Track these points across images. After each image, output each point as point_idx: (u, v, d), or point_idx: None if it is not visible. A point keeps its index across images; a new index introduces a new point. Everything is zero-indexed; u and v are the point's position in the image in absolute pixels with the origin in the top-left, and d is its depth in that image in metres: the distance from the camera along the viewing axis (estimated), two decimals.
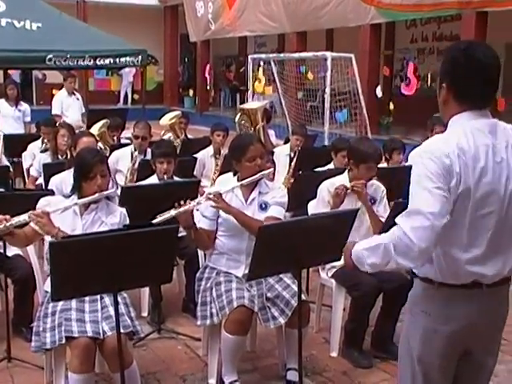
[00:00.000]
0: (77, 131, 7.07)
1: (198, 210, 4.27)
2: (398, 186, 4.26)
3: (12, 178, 8.27)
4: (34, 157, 7.54)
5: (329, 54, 12.12)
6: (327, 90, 11.91)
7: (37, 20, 11.31)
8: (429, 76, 15.03)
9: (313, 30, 16.04)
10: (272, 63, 14.00)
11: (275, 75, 14.02)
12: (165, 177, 5.32)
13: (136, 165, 6.38)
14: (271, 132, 9.19)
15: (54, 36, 11.18)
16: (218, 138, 7.54)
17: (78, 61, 11.32)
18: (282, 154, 7.69)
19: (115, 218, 4.06)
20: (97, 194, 3.89)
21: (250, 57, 14.71)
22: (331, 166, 6.31)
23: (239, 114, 8.74)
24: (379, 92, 13.37)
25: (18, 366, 4.51)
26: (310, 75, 13.63)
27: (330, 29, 17.44)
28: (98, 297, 3.86)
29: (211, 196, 4.05)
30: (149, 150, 6.36)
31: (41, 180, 6.64)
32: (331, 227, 3.66)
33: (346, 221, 3.74)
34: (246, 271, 3.93)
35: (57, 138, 6.82)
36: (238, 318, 3.98)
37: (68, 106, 10.95)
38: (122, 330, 3.45)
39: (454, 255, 2.50)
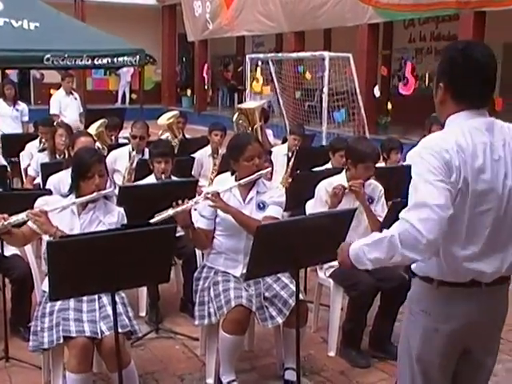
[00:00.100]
0: (75, 131, 7.07)
1: (195, 209, 4.27)
2: (396, 186, 4.28)
3: (10, 177, 8.26)
4: (32, 156, 7.53)
5: (327, 54, 12.13)
6: (325, 90, 11.92)
7: (35, 19, 11.29)
8: (427, 76, 15.07)
9: (311, 29, 16.04)
10: (270, 63, 14.01)
11: (273, 75, 14.03)
12: (163, 176, 5.31)
13: (134, 164, 6.39)
14: (269, 132, 9.20)
15: (51, 35, 11.16)
16: (215, 137, 7.55)
17: (75, 60, 11.31)
18: (280, 153, 7.70)
19: (113, 217, 4.06)
20: (95, 194, 3.89)
21: (247, 56, 14.72)
22: (329, 165, 6.31)
23: (237, 114, 8.74)
24: (377, 92, 13.38)
25: (15, 366, 4.51)
26: (307, 75, 13.64)
27: (327, 28, 17.45)
28: (96, 296, 3.86)
29: (209, 195, 4.05)
30: (146, 150, 6.35)
31: (38, 179, 6.65)
32: (329, 227, 3.66)
33: (344, 220, 3.75)
34: (244, 271, 3.93)
35: (55, 138, 6.83)
36: (235, 318, 3.98)
37: (66, 106, 10.95)
38: (119, 330, 3.45)
39: (453, 252, 2.50)
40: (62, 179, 5.25)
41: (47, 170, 5.97)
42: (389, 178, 5.27)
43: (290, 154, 7.46)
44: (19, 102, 10.38)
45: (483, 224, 2.49)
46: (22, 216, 3.76)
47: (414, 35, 18.78)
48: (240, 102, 17.31)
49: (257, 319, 4.15)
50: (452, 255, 2.50)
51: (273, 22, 16.90)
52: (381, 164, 6.05)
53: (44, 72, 21.10)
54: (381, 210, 4.86)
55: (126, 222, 4.06)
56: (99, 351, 3.72)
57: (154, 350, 4.84)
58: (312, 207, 4.99)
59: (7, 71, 15.84)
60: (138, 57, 12.06)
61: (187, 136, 9.09)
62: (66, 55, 11.12)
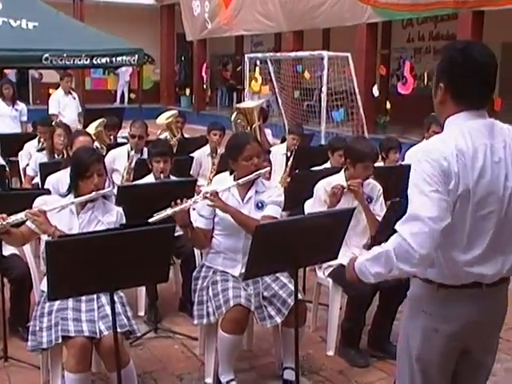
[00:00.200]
0: (73, 131, 7.06)
1: (194, 209, 4.27)
2: (395, 185, 4.28)
3: (8, 177, 8.25)
4: (31, 156, 7.53)
5: (325, 53, 12.14)
6: (324, 89, 11.93)
7: (33, 19, 11.29)
8: (425, 75, 15.05)
9: (309, 29, 16.05)
10: (269, 62, 14.01)
11: (272, 74, 14.03)
12: (161, 176, 5.31)
13: (132, 164, 6.39)
14: (268, 131, 9.19)
15: (50, 35, 11.16)
16: (214, 137, 7.55)
17: (74, 60, 11.31)
18: (279, 153, 7.70)
19: (112, 217, 4.06)
20: (93, 193, 3.89)
21: (246, 56, 14.73)
22: (328, 165, 6.30)
23: (235, 113, 8.74)
24: (376, 91, 13.39)
25: (14, 366, 4.51)
26: (306, 74, 13.65)
27: (326, 28, 17.46)
28: (95, 296, 3.86)
29: (208, 195, 4.05)
30: (145, 149, 6.36)
31: (37, 179, 6.65)
32: (328, 226, 3.66)
33: (343, 220, 3.75)
34: (243, 270, 3.93)
35: (53, 138, 6.82)
36: (234, 317, 3.98)
37: (65, 106, 10.93)
38: (118, 330, 3.45)
39: (455, 257, 2.48)
40: (60, 179, 5.25)
41: (46, 169, 5.97)
42: (387, 178, 5.27)
43: (288, 154, 7.46)
44: (18, 102, 10.36)
45: (485, 227, 2.48)
46: (20, 216, 3.76)
47: (412, 35, 18.79)
48: (239, 101, 17.32)
49: (255, 319, 4.15)
50: (453, 260, 2.49)
51: (272, 22, 16.91)
52: (379, 163, 6.05)
53: (42, 72, 21.11)
54: (379, 209, 4.86)
55: (124, 221, 4.06)
56: (98, 351, 3.72)
57: (152, 350, 4.84)
58: (311, 207, 4.99)
59: (6, 71, 15.82)
60: (136, 56, 12.06)
61: (186, 135, 9.09)
62: (65, 55, 11.12)
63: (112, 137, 8.30)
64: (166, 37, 24.01)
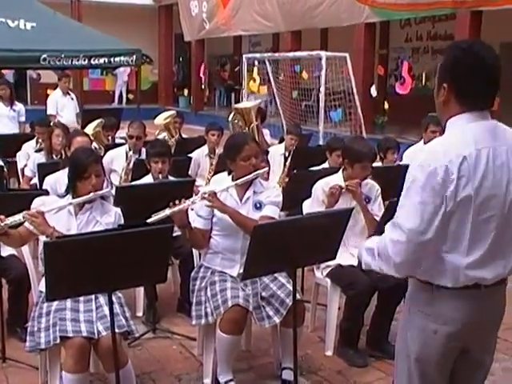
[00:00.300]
0: (71, 131, 7.06)
1: (192, 209, 4.27)
2: (393, 185, 4.27)
3: (6, 177, 8.23)
4: (29, 157, 7.52)
5: (323, 54, 12.14)
6: (322, 90, 11.93)
7: (31, 19, 11.26)
8: (423, 75, 15.07)
9: (307, 29, 16.05)
10: (267, 62, 14.01)
11: (270, 74, 14.02)
12: (160, 176, 5.31)
13: (131, 164, 6.38)
14: (266, 131, 9.19)
15: (48, 36, 11.14)
16: (212, 137, 7.55)
17: (72, 60, 11.28)
18: (277, 153, 7.70)
19: (110, 217, 4.06)
20: (91, 194, 3.89)
21: (244, 56, 14.72)
22: (326, 165, 6.31)
23: (233, 114, 8.75)
24: (374, 91, 13.39)
25: (12, 367, 4.51)
26: (304, 74, 13.64)
27: (324, 28, 17.46)
28: (93, 297, 3.86)
29: (206, 195, 4.05)
30: (143, 150, 6.36)
31: (35, 180, 6.64)
32: (326, 226, 3.67)
33: (341, 220, 3.76)
34: (241, 270, 3.94)
35: (51, 138, 6.81)
36: (232, 318, 3.98)
37: (63, 106, 10.93)
38: (116, 330, 3.45)
39: (455, 261, 2.48)
40: (58, 179, 5.24)
41: (44, 170, 5.97)
42: (385, 178, 5.27)
43: (286, 154, 7.45)
44: (16, 103, 10.35)
45: (486, 231, 2.47)
46: (18, 217, 3.76)
47: (410, 35, 18.79)
48: (237, 101, 17.31)
49: (254, 319, 4.16)
50: (453, 264, 2.48)
51: (269, 22, 16.91)
52: (377, 163, 6.06)
53: (41, 72, 21.08)
54: (378, 209, 4.86)
55: (122, 222, 4.06)
56: (96, 351, 3.72)
57: (151, 350, 4.84)
58: (309, 207, 4.99)
59: (3, 71, 15.83)
60: (134, 57, 12.04)
61: (184, 136, 9.08)
62: (63, 55, 11.09)
63: (110, 137, 8.30)
64: (164, 37, 24.00)
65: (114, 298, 3.51)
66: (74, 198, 3.95)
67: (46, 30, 11.23)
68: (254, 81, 13.99)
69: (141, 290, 5.39)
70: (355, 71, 12.57)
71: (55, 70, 13.49)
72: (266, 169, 4.62)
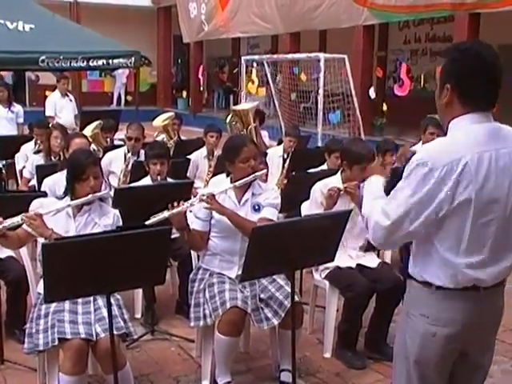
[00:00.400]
0: (70, 132, 7.06)
1: (191, 211, 4.27)
2: (391, 187, 4.27)
3: (5, 179, 8.28)
4: (27, 158, 7.52)
5: (322, 55, 12.14)
6: (320, 91, 11.93)
7: (30, 21, 11.27)
8: (422, 77, 15.07)
9: (306, 30, 16.06)
10: (265, 64, 14.01)
11: (268, 76, 14.03)
12: (158, 178, 5.31)
13: (129, 166, 6.38)
14: (264, 133, 9.19)
15: (46, 37, 11.14)
16: (211, 139, 7.55)
17: (71, 62, 11.28)
18: (276, 155, 7.70)
19: (108, 219, 4.06)
20: (90, 196, 3.89)
21: (243, 58, 14.72)
22: (324, 167, 6.31)
23: (230, 115, 8.76)
24: (372, 93, 13.39)
25: (10, 368, 4.50)
26: (303, 76, 13.64)
27: (323, 30, 17.46)
28: (91, 298, 3.85)
29: (204, 197, 4.05)
30: (142, 152, 6.36)
31: (34, 181, 6.63)
32: (324, 228, 3.67)
33: (339, 222, 3.76)
34: (239, 272, 3.94)
35: (50, 140, 6.81)
36: (231, 319, 3.98)
37: (61, 108, 10.94)
38: (115, 332, 3.45)
39: (454, 260, 2.47)
40: (57, 181, 5.24)
41: (42, 171, 5.96)
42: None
43: (285, 156, 7.46)
44: (14, 104, 10.35)
45: (486, 234, 2.47)
46: (16, 219, 3.76)
47: (409, 36, 18.80)
48: (235, 103, 17.31)
49: (252, 321, 4.15)
50: (451, 263, 2.48)
51: (268, 24, 16.91)
52: None
53: (39, 74, 21.05)
54: None
55: (121, 223, 4.06)
56: (94, 353, 3.72)
57: (149, 352, 4.84)
58: (307, 209, 4.99)
59: (2, 73, 15.81)
60: (133, 58, 12.04)
61: (182, 138, 9.08)
62: (61, 57, 11.09)
63: (109, 139, 8.30)
64: (162, 39, 24.00)
65: (112, 300, 3.51)
66: (72, 199, 3.94)
67: (44, 32, 11.23)
68: (253, 83, 13.99)
69: (139, 292, 5.39)
70: (354, 73, 12.58)
71: (54, 72, 13.50)
72: (265, 171, 4.63)
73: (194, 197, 4.21)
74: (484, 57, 2.47)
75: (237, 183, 4.14)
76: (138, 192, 5.05)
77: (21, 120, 10.31)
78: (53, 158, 6.79)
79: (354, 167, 4.73)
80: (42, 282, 3.46)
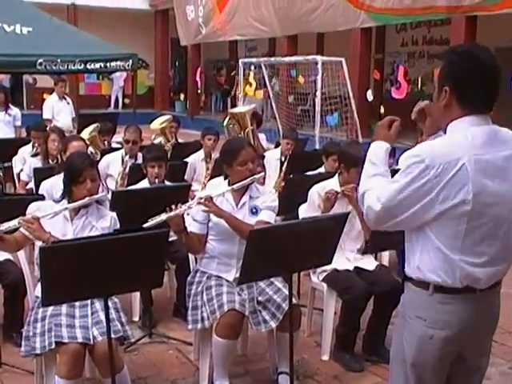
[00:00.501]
0: (67, 135, 7.06)
1: (188, 214, 4.27)
2: None
3: (2, 182, 8.27)
4: (25, 161, 7.51)
5: (319, 58, 12.17)
6: (318, 94, 11.95)
7: (27, 24, 11.26)
8: (419, 79, 15.06)
9: (303, 33, 16.08)
10: (263, 67, 14.02)
11: (266, 79, 14.04)
12: (156, 181, 5.31)
13: (127, 169, 6.38)
14: (262, 136, 9.20)
15: (44, 40, 11.13)
16: (208, 141, 7.56)
17: (68, 65, 11.27)
18: (273, 157, 7.70)
19: (106, 222, 4.06)
20: (87, 199, 3.88)
21: (240, 61, 14.74)
22: (322, 169, 6.31)
23: (228, 118, 8.76)
24: (370, 96, 13.40)
25: (8, 372, 4.49)
26: (300, 79, 13.66)
27: (320, 33, 17.49)
28: (89, 301, 3.85)
29: (202, 200, 4.04)
30: (140, 155, 6.36)
31: (31, 184, 6.63)
32: (322, 231, 3.67)
33: (337, 225, 3.76)
34: (237, 275, 3.93)
35: (47, 143, 6.81)
36: (228, 322, 3.97)
37: (59, 111, 10.93)
38: (112, 336, 3.44)
39: (452, 256, 2.47)
40: (54, 184, 5.23)
41: (40, 174, 5.96)
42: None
43: (283, 159, 7.46)
44: (12, 107, 10.35)
45: (484, 236, 2.47)
46: (13, 223, 3.75)
47: (406, 39, 18.82)
48: (233, 106, 17.33)
49: (250, 323, 4.15)
50: (449, 258, 2.47)
51: (265, 27, 16.93)
52: None
53: (37, 77, 21.06)
54: None
55: (118, 226, 4.05)
56: (92, 357, 3.71)
57: (147, 355, 4.83)
58: (305, 211, 5.00)
59: None
60: (130, 61, 12.03)
61: (180, 140, 9.08)
62: (59, 60, 11.08)
63: (106, 142, 8.30)
64: (160, 42, 24.01)
65: (109, 303, 3.51)
66: (69, 202, 3.94)
67: (42, 35, 11.22)
68: (250, 85, 14.00)
69: (137, 295, 5.39)
70: (351, 76, 12.60)
71: (51, 75, 13.48)
72: (262, 174, 4.62)
73: (192, 200, 4.21)
74: (481, 59, 2.48)
75: (234, 186, 4.14)
76: (135, 195, 5.05)
77: (18, 123, 10.31)
78: (50, 161, 6.79)
79: (352, 170, 4.73)
80: (39, 285, 3.46)
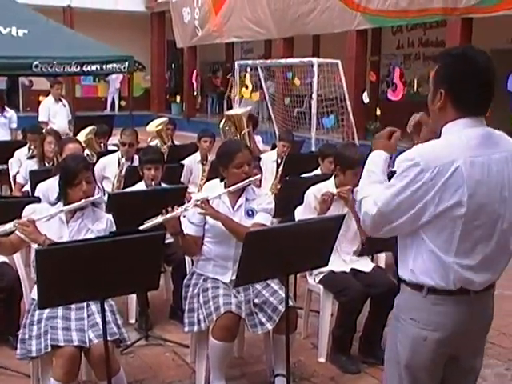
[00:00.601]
0: (63, 138, 7.05)
1: (184, 216, 4.27)
2: None
3: None
4: (21, 164, 7.50)
5: (315, 60, 12.15)
6: (314, 96, 11.94)
7: (23, 26, 11.27)
8: (415, 81, 15.11)
9: (299, 35, 16.09)
10: (259, 69, 14.03)
11: (262, 81, 14.04)
12: (152, 183, 5.31)
13: (123, 171, 6.38)
14: (258, 138, 9.20)
15: (40, 42, 11.14)
16: (204, 144, 7.56)
17: (64, 67, 11.28)
18: (269, 160, 7.70)
19: (102, 224, 4.05)
20: (82, 201, 3.88)
21: (236, 63, 14.73)
22: (318, 171, 6.32)
23: (224, 120, 8.77)
24: (366, 97, 13.42)
25: (4, 374, 4.48)
26: (296, 81, 13.66)
27: (316, 35, 17.49)
28: (85, 304, 3.84)
29: (199, 202, 4.04)
30: (136, 157, 6.36)
31: (27, 187, 6.62)
32: (318, 233, 3.67)
33: (333, 227, 3.76)
34: (233, 277, 3.93)
35: (43, 145, 6.80)
36: (225, 324, 3.97)
37: (55, 113, 10.92)
38: (108, 338, 3.44)
39: (445, 259, 2.47)
40: (50, 187, 5.22)
41: (36, 177, 5.95)
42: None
43: (279, 161, 7.47)
44: (7, 109, 10.35)
45: (478, 238, 2.47)
46: (9, 226, 3.74)
47: (402, 41, 18.83)
48: (229, 108, 17.33)
49: (246, 326, 4.15)
50: (443, 261, 2.48)
51: (262, 29, 16.93)
52: None
53: (33, 79, 21.05)
54: None
55: (114, 229, 4.05)
56: (88, 360, 3.71)
57: (143, 358, 4.83)
58: (301, 213, 5.00)
59: None
60: (126, 63, 12.05)
61: (176, 143, 9.09)
62: (55, 62, 11.09)
63: (102, 144, 8.30)
64: (156, 44, 24.02)
65: (105, 306, 3.50)
66: (65, 205, 3.93)
67: (38, 37, 11.23)
68: (246, 87, 14.00)
69: (133, 297, 5.38)
70: (347, 78, 12.60)
71: (47, 77, 13.49)
72: (259, 176, 4.62)
73: (188, 202, 4.21)
74: (476, 61, 2.48)
75: (231, 188, 4.14)
76: (131, 197, 5.05)
77: (14, 125, 10.31)
78: (46, 163, 6.78)
79: (348, 172, 4.74)
80: (35, 287, 3.45)
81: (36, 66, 10.91)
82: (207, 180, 5.99)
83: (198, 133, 7.89)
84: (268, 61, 15.41)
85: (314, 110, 12.02)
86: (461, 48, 2.67)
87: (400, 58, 18.85)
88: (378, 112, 14.62)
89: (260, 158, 7.44)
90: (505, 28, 13.50)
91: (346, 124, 12.77)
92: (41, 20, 12.16)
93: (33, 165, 6.91)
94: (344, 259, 4.85)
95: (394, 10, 12.89)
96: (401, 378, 2.68)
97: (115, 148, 7.68)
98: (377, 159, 2.78)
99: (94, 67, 11.68)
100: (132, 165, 6.37)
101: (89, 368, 4.00)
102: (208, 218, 4.18)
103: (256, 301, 4.17)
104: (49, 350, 3.59)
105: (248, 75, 14.10)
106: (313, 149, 10.82)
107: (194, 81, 19.73)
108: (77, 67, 11.44)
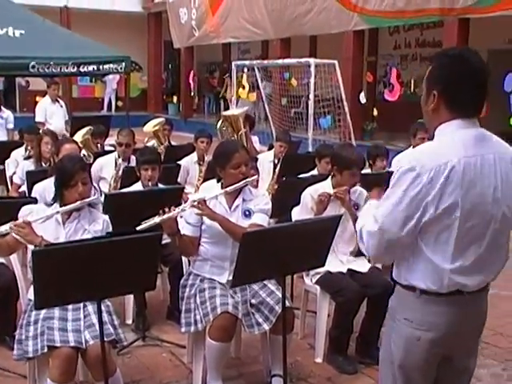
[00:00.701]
0: (60, 138, 7.05)
1: (181, 216, 4.27)
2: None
3: None
4: (18, 164, 7.49)
5: (312, 61, 12.17)
6: (311, 97, 11.96)
7: (20, 27, 11.26)
8: (412, 82, 15.13)
9: (296, 36, 16.10)
10: (256, 70, 14.03)
11: (259, 82, 14.05)
12: (149, 184, 5.31)
13: (120, 172, 6.38)
14: (255, 138, 9.20)
15: (37, 43, 11.13)
16: (201, 144, 7.56)
17: (61, 68, 11.27)
18: (266, 160, 7.70)
19: (98, 225, 4.05)
20: (78, 202, 3.87)
21: (233, 63, 14.74)
22: (315, 172, 6.32)
23: (221, 121, 8.77)
24: (363, 98, 13.44)
25: (1, 376, 4.47)
26: (293, 81, 13.67)
27: (313, 35, 17.51)
28: (81, 305, 3.84)
29: (195, 203, 4.04)
30: (133, 157, 6.35)
31: (24, 187, 6.61)
32: (315, 233, 3.67)
33: (330, 227, 3.76)
34: (230, 278, 3.93)
35: (40, 146, 6.79)
36: (222, 325, 3.97)
37: (52, 114, 10.91)
38: (104, 339, 3.43)
39: (440, 264, 2.48)
40: (47, 187, 5.21)
41: (33, 177, 5.94)
42: (374, 185, 5.27)
43: (276, 161, 7.48)
44: (4, 110, 10.33)
45: (472, 239, 2.48)
46: (5, 228, 3.73)
47: (399, 42, 18.87)
48: (226, 108, 17.34)
49: (243, 326, 4.15)
50: (438, 266, 2.48)
51: (259, 29, 16.95)
52: (367, 170, 6.08)
53: (29, 79, 21.04)
54: None
55: (111, 229, 4.04)
56: (84, 360, 3.70)
57: (140, 358, 4.82)
58: (298, 214, 5.00)
59: None
60: (123, 64, 12.04)
61: (173, 143, 9.09)
62: (52, 62, 11.08)
63: (99, 145, 8.29)
64: (153, 44, 24.03)
65: (102, 307, 3.50)
66: (61, 206, 3.93)
67: (34, 38, 11.22)
68: (243, 88, 14.01)
69: (130, 298, 5.38)
70: (344, 78, 12.61)
71: (44, 78, 13.47)
72: (256, 177, 4.63)
73: (185, 202, 4.21)
74: (471, 63, 2.48)
75: (228, 189, 4.14)
76: (128, 198, 5.04)
77: (10, 126, 10.29)
78: (43, 163, 6.77)
79: (345, 172, 4.74)
80: (32, 288, 3.45)
81: (33, 67, 10.90)
82: (204, 180, 5.98)
83: (194, 133, 7.89)
84: (265, 61, 15.44)
85: (310, 111, 12.04)
86: (455, 49, 2.67)
87: (397, 59, 18.88)
88: (375, 112, 14.66)
89: (257, 159, 7.43)
90: (502, 28, 13.53)
91: (342, 124, 12.79)
92: (37, 20, 12.14)
93: (29, 165, 6.90)
94: (341, 260, 4.86)
95: (391, 11, 12.91)
96: (394, 377, 2.68)
97: (112, 148, 7.67)
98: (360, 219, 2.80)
99: (90, 68, 11.67)
100: (129, 165, 6.37)
101: (85, 369, 3.99)
102: (205, 218, 4.18)
103: (253, 301, 4.17)
104: (45, 350, 3.59)
105: (245, 76, 14.12)
106: (310, 149, 10.83)
107: (190, 81, 19.77)
108: (73, 68, 11.43)
